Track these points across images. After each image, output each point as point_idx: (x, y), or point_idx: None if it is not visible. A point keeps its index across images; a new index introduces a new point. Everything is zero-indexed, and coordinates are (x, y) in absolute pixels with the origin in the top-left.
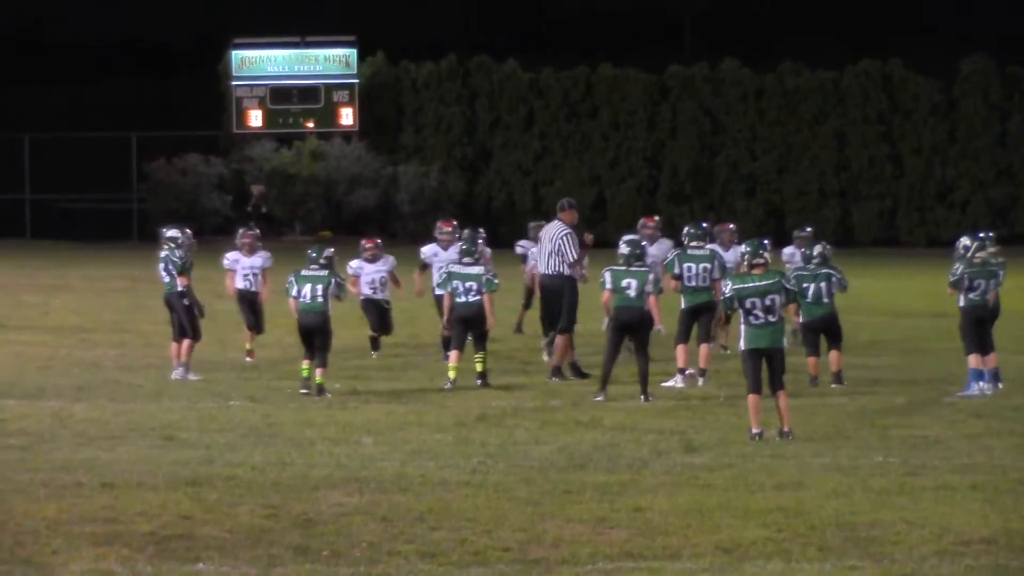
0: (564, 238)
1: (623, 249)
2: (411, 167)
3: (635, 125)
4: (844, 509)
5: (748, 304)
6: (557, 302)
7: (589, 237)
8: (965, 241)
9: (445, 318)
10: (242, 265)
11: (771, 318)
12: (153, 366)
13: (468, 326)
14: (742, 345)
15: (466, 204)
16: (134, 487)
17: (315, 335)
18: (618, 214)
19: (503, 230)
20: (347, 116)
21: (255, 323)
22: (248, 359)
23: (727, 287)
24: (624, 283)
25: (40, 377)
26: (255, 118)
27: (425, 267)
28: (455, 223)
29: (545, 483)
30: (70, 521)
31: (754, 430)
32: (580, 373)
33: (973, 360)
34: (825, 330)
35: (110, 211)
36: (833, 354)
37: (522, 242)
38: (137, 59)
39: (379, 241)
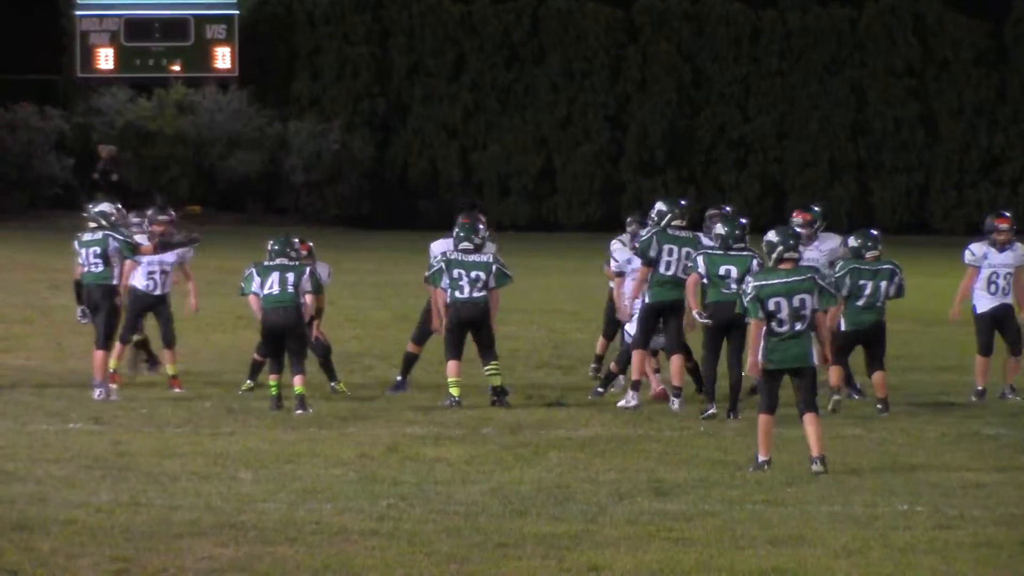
0: None
1: (719, 229)
2: (305, 124)
3: (594, 74)
4: (859, 571)
5: (772, 306)
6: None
7: None
8: None
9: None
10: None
11: (799, 326)
12: None
13: (469, 329)
14: (759, 359)
15: (375, 173)
16: None
17: (288, 337)
18: (571, 188)
19: (422, 206)
20: (224, 58)
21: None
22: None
23: (748, 284)
24: (722, 271)
25: None
26: (105, 59)
27: None
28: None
29: (474, 534)
30: None
31: (761, 457)
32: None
33: None
34: (868, 342)
35: None
36: (879, 376)
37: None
38: None
39: (311, 245)
